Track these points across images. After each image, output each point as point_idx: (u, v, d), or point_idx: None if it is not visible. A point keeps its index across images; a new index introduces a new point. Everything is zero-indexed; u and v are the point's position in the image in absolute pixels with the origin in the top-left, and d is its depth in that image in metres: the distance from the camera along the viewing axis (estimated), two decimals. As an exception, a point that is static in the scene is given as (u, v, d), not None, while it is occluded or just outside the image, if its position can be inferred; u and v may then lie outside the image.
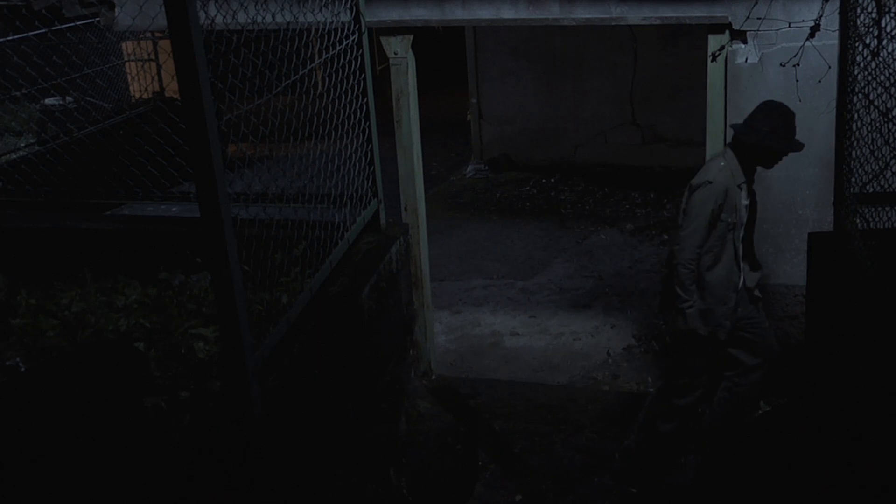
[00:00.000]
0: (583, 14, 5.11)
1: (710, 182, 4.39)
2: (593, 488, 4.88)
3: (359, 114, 4.41)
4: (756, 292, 4.72)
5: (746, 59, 4.99)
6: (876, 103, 3.73)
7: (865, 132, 3.89)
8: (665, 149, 9.86)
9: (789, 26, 4.82)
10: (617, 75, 9.84)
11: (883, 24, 3.74)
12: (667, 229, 8.35)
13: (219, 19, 3.16)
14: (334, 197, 4.15)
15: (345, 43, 4.24)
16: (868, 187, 3.87)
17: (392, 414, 4.53)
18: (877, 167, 3.68)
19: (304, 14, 3.90)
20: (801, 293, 5.18)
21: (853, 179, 4.08)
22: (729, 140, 4.66)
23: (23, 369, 3.39)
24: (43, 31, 6.26)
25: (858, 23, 3.93)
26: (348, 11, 4.29)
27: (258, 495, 3.11)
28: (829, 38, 4.69)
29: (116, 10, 5.59)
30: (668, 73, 9.54)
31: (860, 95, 3.98)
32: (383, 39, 5.36)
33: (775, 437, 4.80)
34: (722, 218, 4.41)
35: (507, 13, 5.20)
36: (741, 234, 4.56)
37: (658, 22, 5.05)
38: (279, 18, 3.72)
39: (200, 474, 2.96)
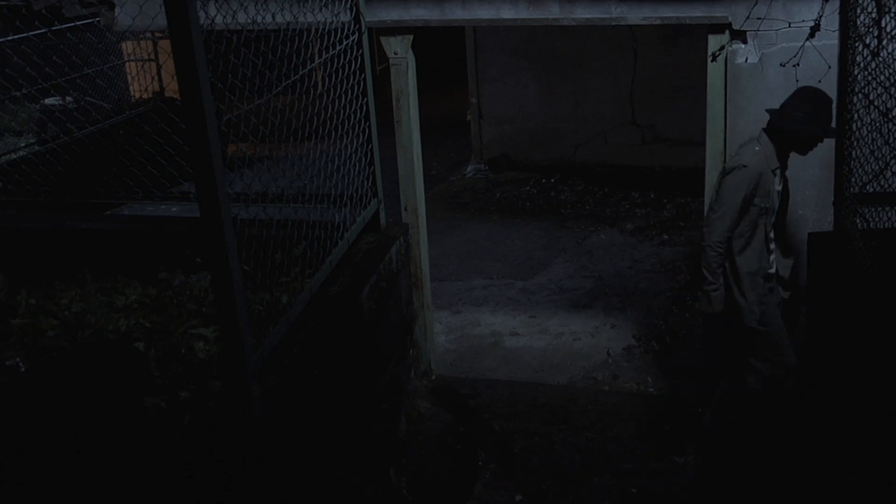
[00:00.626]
0: (583, 14, 5.11)
1: (745, 166, 4.38)
2: (593, 488, 4.88)
3: (359, 114, 4.40)
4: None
5: (746, 59, 4.99)
6: (876, 103, 3.73)
7: (865, 132, 3.89)
8: (665, 149, 9.86)
9: (789, 26, 4.83)
10: (617, 75, 9.84)
11: (883, 24, 3.74)
12: (667, 229, 8.35)
13: (219, 19, 3.16)
14: (334, 197, 4.15)
15: (345, 43, 4.24)
16: (868, 187, 3.86)
17: (392, 414, 4.53)
18: (877, 167, 3.69)
19: (304, 14, 3.90)
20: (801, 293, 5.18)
21: (853, 179, 4.08)
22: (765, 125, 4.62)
23: (23, 369, 3.39)
24: (43, 31, 6.26)
25: (858, 23, 3.93)
26: (348, 11, 4.29)
27: (258, 495, 3.11)
28: (829, 38, 4.69)
29: (116, 10, 5.59)
30: (668, 73, 9.54)
31: (860, 95, 3.98)
32: (383, 39, 5.36)
33: (775, 436, 4.80)
34: (755, 202, 4.40)
35: (507, 13, 5.20)
36: (773, 220, 4.54)
37: (658, 22, 5.05)
38: (279, 18, 3.72)
39: (200, 474, 2.96)
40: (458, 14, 5.27)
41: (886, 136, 3.53)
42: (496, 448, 5.26)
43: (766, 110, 4.58)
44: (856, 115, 4.06)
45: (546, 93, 10.12)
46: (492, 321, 6.82)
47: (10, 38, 6.40)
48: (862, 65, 3.94)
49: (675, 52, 9.44)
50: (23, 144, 6.90)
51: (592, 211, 8.97)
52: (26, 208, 5.06)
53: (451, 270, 7.75)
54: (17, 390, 3.18)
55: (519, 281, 7.49)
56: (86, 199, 5.21)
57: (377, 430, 4.29)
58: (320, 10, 4.00)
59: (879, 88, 3.69)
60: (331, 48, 4.09)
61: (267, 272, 3.38)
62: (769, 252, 4.54)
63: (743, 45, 4.97)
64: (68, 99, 7.01)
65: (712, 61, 5.00)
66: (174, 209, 5.16)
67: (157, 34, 7.77)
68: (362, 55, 4.40)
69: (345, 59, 4.24)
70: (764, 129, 4.54)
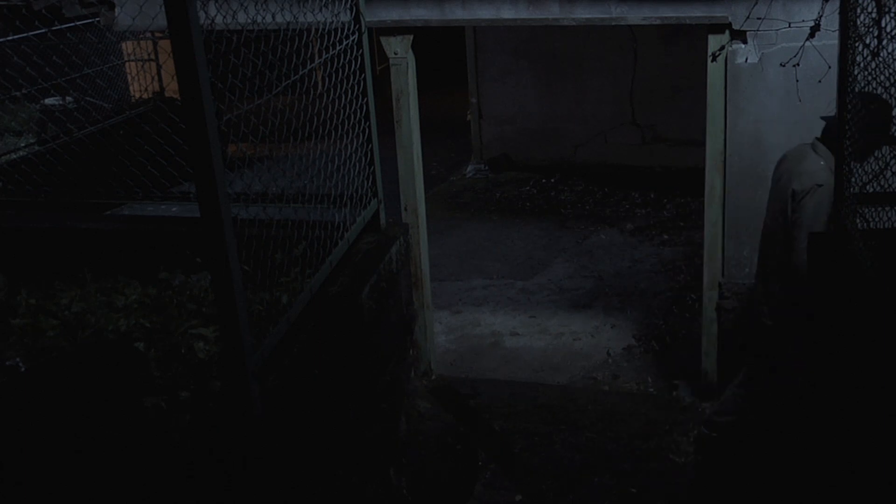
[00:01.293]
0: (583, 14, 5.11)
1: (820, 185, 4.18)
2: (593, 488, 4.89)
3: (359, 114, 4.40)
4: None
5: (746, 59, 4.99)
6: (876, 103, 3.72)
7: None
8: (665, 149, 9.86)
9: (789, 26, 4.82)
10: (617, 75, 9.84)
11: (883, 24, 3.74)
12: (667, 229, 8.35)
13: (219, 19, 3.15)
14: (334, 197, 4.14)
15: (345, 43, 4.24)
16: (868, 187, 3.86)
17: (392, 414, 4.53)
18: (877, 167, 3.68)
19: (304, 14, 3.90)
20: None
21: (853, 179, 4.07)
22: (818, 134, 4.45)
23: (23, 369, 3.38)
24: (43, 31, 6.25)
25: (858, 23, 3.92)
26: (348, 11, 4.28)
27: (258, 495, 3.11)
28: (829, 38, 4.69)
29: (116, 10, 5.59)
30: (668, 73, 9.54)
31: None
32: (383, 39, 5.36)
33: (775, 436, 4.80)
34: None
35: (507, 13, 5.20)
36: None
37: (658, 22, 5.05)
38: (279, 18, 3.72)
39: (200, 474, 2.96)
40: (458, 14, 5.28)
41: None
42: (496, 448, 5.26)
43: (822, 117, 4.41)
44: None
45: (546, 93, 10.12)
46: (492, 321, 6.82)
47: (10, 38, 6.39)
48: (862, 65, 3.93)
49: (675, 52, 9.44)
50: (23, 144, 6.89)
51: (592, 211, 8.97)
52: (26, 208, 5.05)
53: (451, 270, 7.75)
54: (17, 390, 3.18)
55: (519, 281, 7.50)
56: (86, 199, 5.20)
57: (377, 430, 4.29)
58: (320, 10, 4.00)
59: (879, 88, 3.69)
60: (331, 48, 4.08)
61: (267, 272, 3.38)
62: None
63: (743, 45, 4.97)
64: (68, 99, 7.00)
65: (712, 61, 5.00)
66: (174, 209, 5.16)
67: (157, 34, 7.76)
68: (362, 55, 4.39)
69: (345, 59, 4.24)
70: (818, 139, 4.38)
